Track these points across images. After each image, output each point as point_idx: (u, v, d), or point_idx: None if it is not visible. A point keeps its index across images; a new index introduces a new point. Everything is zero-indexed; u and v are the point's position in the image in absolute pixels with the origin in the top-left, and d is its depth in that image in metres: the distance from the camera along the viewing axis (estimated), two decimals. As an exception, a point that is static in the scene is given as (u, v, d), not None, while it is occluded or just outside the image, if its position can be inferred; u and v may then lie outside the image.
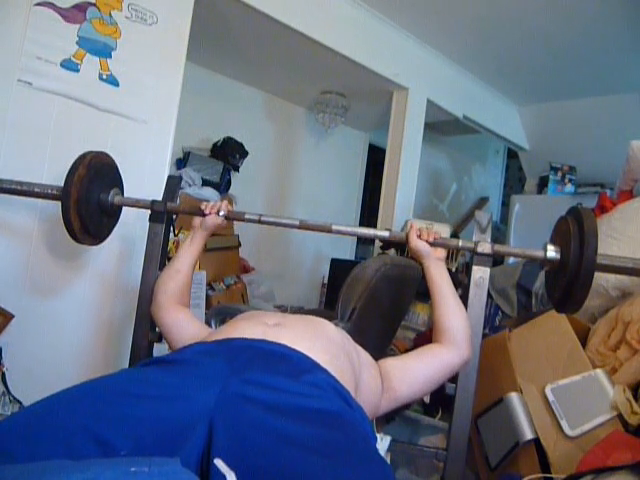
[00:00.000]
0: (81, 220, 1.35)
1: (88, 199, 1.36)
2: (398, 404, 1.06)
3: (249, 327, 0.95)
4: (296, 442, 0.62)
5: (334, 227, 1.32)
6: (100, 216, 1.44)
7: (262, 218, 1.35)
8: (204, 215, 1.32)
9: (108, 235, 1.53)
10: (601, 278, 1.67)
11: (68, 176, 1.32)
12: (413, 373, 1.06)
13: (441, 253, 1.24)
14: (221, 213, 1.32)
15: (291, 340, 0.89)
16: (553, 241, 1.21)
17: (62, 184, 1.33)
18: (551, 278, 1.24)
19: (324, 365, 0.85)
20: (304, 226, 1.34)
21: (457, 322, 1.15)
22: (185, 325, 1.17)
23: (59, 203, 1.34)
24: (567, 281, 1.11)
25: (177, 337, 1.15)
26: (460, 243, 1.28)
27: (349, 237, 4.73)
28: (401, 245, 2.95)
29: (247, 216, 1.36)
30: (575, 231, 1.11)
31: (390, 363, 1.07)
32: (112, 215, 1.51)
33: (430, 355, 1.11)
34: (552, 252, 1.18)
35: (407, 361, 1.10)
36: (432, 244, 1.23)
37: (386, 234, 1.34)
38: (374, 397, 1.00)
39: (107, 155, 1.47)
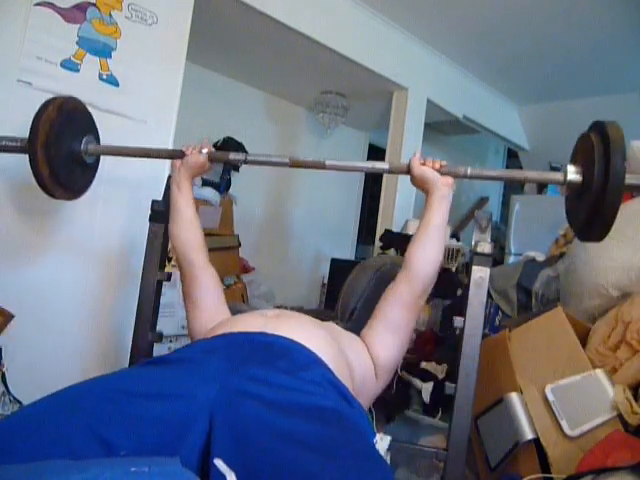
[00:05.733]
0: (51, 167, 1.18)
1: (59, 145, 1.19)
2: (393, 367, 1.09)
3: (249, 320, 0.98)
4: (294, 439, 0.62)
5: (327, 162, 1.20)
6: (73, 166, 1.28)
7: (248, 158, 1.24)
8: (184, 155, 1.24)
9: (85, 189, 1.35)
10: (601, 278, 1.67)
11: (35, 118, 1.15)
12: (383, 336, 1.08)
13: (449, 179, 1.14)
14: (204, 151, 1.23)
15: (290, 331, 0.90)
16: (573, 161, 1.07)
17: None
18: (572, 204, 1.11)
19: (321, 356, 0.86)
20: (295, 164, 1.21)
21: (421, 252, 1.10)
22: (205, 295, 1.17)
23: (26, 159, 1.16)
24: (592, 203, 0.97)
25: (196, 298, 1.16)
26: (469, 171, 1.18)
27: (349, 237, 4.74)
28: (401, 245, 2.95)
29: (232, 156, 1.26)
30: (599, 144, 0.96)
31: (364, 335, 1.10)
32: (87, 166, 1.33)
33: (389, 301, 1.11)
34: (573, 174, 1.04)
35: (374, 324, 1.11)
36: (438, 172, 1.14)
37: (386, 166, 1.24)
38: (370, 381, 1.04)
39: (79, 101, 1.31)
